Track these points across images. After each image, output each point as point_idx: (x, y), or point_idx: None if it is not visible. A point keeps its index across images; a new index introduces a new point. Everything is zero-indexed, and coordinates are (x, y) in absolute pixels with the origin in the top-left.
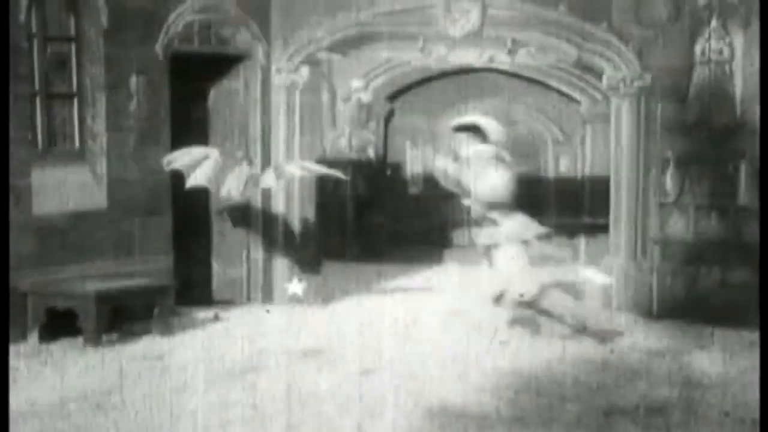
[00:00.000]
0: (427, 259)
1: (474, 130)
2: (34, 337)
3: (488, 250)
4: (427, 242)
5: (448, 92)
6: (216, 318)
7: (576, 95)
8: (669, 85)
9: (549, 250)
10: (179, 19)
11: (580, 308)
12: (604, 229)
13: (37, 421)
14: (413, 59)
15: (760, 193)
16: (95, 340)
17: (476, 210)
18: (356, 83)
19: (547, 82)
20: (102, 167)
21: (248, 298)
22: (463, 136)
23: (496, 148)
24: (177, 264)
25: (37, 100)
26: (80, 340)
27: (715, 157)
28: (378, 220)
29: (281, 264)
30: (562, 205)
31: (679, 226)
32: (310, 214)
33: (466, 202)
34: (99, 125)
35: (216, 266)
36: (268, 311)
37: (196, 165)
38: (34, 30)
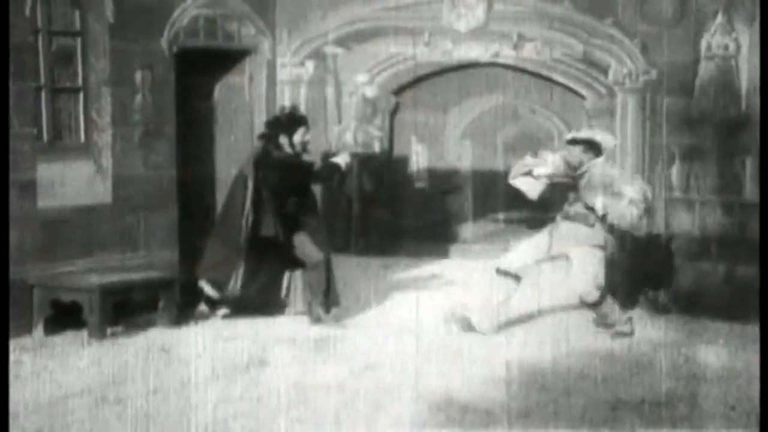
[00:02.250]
0: (432, 254)
1: (590, 144)
2: (39, 330)
3: None
4: (433, 237)
5: (453, 87)
6: (224, 316)
7: (581, 90)
8: (674, 80)
9: None
10: (184, 14)
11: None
12: None
13: (41, 414)
14: (419, 54)
15: (760, 188)
16: (100, 333)
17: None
18: (361, 78)
19: (553, 77)
20: (107, 161)
21: None
22: (577, 149)
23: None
24: (182, 257)
25: (43, 94)
26: (85, 333)
27: (721, 152)
28: (383, 214)
29: None
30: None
31: (684, 221)
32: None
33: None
34: (104, 120)
35: None
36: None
37: None
38: (39, 24)
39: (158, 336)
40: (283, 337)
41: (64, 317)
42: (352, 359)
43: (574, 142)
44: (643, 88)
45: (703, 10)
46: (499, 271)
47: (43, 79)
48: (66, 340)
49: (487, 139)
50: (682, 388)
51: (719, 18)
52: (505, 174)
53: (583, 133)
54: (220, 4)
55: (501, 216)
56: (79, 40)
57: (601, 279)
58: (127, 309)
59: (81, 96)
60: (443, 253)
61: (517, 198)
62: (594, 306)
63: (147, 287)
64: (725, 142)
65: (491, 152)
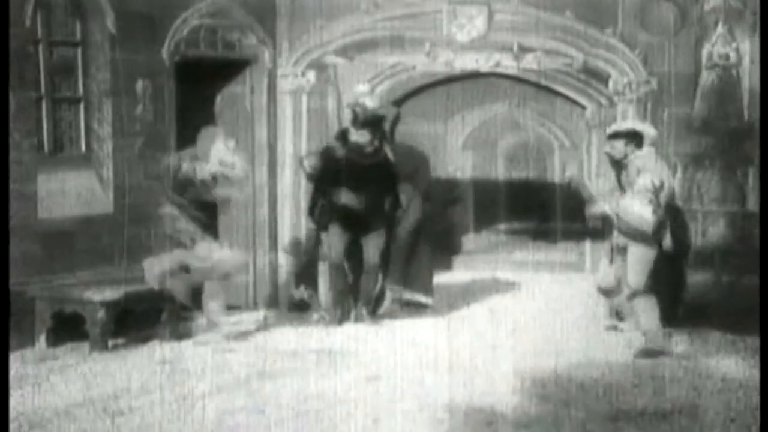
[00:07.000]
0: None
1: (631, 135)
2: (41, 342)
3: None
4: (435, 247)
5: (454, 97)
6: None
7: (582, 100)
8: (675, 89)
9: (554, 256)
10: (185, 24)
11: None
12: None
13: (43, 425)
14: (420, 64)
15: (760, 200)
16: (102, 345)
17: None
18: (362, 88)
19: (553, 87)
20: (108, 172)
21: (254, 304)
22: (620, 143)
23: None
24: None
25: (43, 104)
26: (87, 345)
27: (723, 162)
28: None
29: (287, 270)
30: (568, 210)
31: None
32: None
33: None
34: (105, 130)
35: None
36: (266, 318)
37: None
38: (39, 35)
39: (160, 348)
40: (285, 348)
41: (66, 329)
42: (355, 370)
43: (616, 135)
44: (644, 98)
45: (704, 20)
46: (601, 290)
47: (43, 90)
48: (68, 352)
49: (488, 149)
50: (683, 400)
51: (720, 28)
52: (506, 184)
53: (624, 125)
54: (222, 14)
55: (503, 227)
56: (79, 50)
57: (640, 276)
58: (129, 321)
59: (82, 106)
60: (446, 265)
61: (518, 208)
62: (608, 294)
63: (149, 299)
64: (727, 152)
65: (492, 162)
